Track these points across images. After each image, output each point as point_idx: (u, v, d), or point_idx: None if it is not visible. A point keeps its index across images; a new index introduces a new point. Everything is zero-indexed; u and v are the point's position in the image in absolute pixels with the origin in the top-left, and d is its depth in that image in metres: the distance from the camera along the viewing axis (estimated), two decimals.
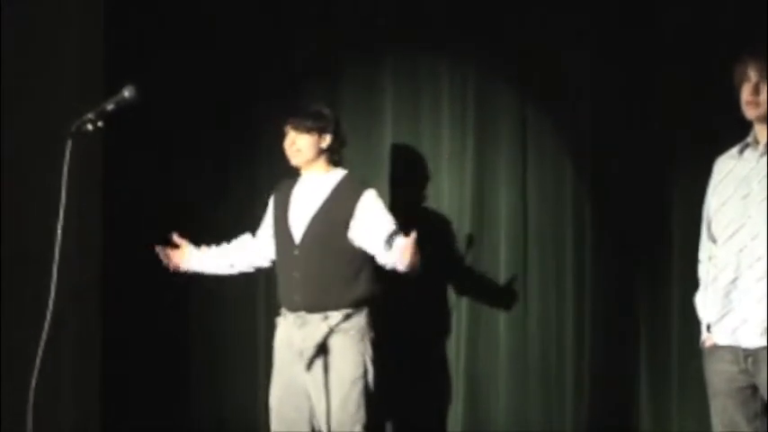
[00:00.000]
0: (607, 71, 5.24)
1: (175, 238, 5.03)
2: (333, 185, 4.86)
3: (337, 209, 4.80)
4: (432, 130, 5.50)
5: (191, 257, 5.05)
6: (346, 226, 4.78)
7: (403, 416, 5.40)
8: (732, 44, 4.63)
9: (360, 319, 4.76)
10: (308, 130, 4.84)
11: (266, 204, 5.04)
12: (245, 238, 5.10)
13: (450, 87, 5.48)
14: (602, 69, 5.25)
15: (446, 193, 5.47)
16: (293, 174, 4.98)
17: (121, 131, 4.77)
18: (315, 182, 4.89)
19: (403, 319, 5.27)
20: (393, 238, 4.62)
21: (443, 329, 5.43)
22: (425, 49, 5.51)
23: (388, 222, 4.76)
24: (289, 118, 4.89)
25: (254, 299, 5.61)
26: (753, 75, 4.04)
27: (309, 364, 4.72)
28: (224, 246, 5.10)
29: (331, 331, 4.71)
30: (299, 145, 4.85)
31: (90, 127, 3.76)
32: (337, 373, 4.70)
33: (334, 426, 4.70)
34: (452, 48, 5.48)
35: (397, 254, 4.56)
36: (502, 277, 5.38)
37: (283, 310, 4.89)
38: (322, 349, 4.70)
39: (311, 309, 4.75)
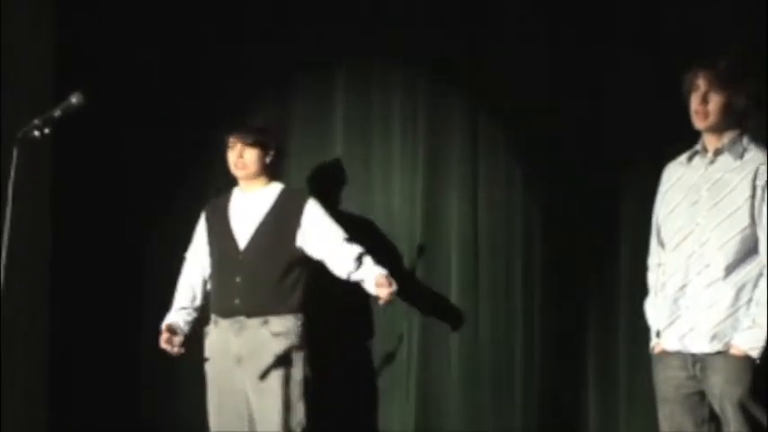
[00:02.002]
0: (559, 79, 5.24)
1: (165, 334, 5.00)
2: (274, 197, 4.99)
3: (283, 219, 4.94)
4: (382, 140, 5.49)
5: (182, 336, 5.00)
6: (293, 235, 4.91)
7: (352, 421, 5.40)
8: (683, 53, 4.67)
9: (298, 325, 4.86)
10: (255, 144, 4.95)
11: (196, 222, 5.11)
12: (189, 275, 5.09)
13: (402, 96, 5.48)
14: (555, 77, 5.25)
15: (397, 203, 5.47)
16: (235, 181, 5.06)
17: (71, 136, 4.74)
18: (255, 194, 5.01)
19: (354, 326, 5.29)
20: (362, 258, 4.84)
21: (395, 337, 5.41)
22: (377, 59, 5.51)
23: (336, 230, 4.92)
24: (235, 131, 4.99)
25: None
26: (702, 84, 4.07)
27: (263, 375, 4.79)
28: (182, 296, 5.09)
29: (274, 338, 4.81)
30: (246, 158, 4.96)
31: (37, 133, 3.73)
32: (278, 378, 4.79)
33: (275, 429, 4.78)
34: (404, 58, 5.47)
35: (372, 286, 4.77)
36: (453, 286, 5.38)
37: (214, 317, 4.97)
38: (269, 357, 4.79)
39: (251, 313, 4.85)
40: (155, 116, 5.66)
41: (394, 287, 4.72)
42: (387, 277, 4.75)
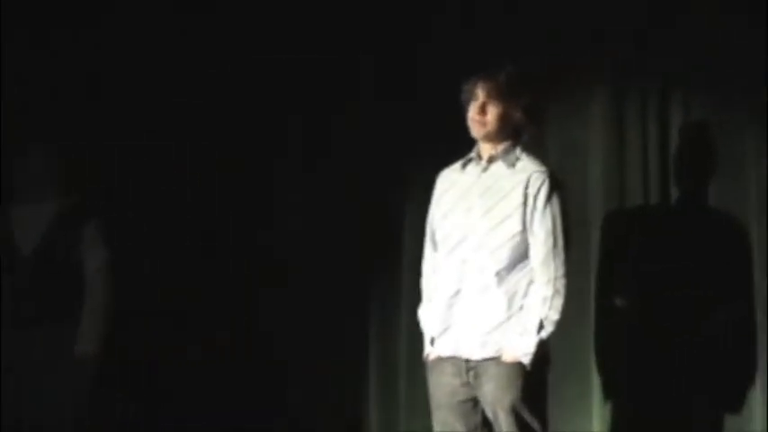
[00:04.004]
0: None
1: None
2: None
3: (64, 227, 4.96)
4: None
5: None
6: (77, 242, 4.94)
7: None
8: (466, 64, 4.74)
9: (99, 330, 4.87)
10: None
11: None
12: None
13: None
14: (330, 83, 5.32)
15: None
16: None
17: None
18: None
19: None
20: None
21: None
22: None
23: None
24: None
25: None
26: (480, 94, 4.12)
27: (60, 383, 4.80)
28: None
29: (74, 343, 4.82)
30: None
31: None
32: (71, 385, 4.83)
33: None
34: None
35: None
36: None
37: (11, 323, 4.90)
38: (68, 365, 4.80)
39: (49, 321, 4.84)
40: None
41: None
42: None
